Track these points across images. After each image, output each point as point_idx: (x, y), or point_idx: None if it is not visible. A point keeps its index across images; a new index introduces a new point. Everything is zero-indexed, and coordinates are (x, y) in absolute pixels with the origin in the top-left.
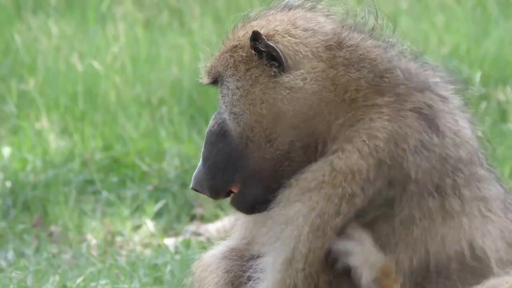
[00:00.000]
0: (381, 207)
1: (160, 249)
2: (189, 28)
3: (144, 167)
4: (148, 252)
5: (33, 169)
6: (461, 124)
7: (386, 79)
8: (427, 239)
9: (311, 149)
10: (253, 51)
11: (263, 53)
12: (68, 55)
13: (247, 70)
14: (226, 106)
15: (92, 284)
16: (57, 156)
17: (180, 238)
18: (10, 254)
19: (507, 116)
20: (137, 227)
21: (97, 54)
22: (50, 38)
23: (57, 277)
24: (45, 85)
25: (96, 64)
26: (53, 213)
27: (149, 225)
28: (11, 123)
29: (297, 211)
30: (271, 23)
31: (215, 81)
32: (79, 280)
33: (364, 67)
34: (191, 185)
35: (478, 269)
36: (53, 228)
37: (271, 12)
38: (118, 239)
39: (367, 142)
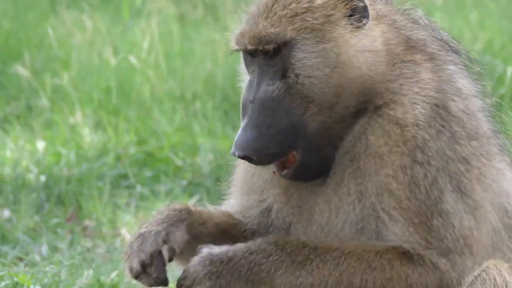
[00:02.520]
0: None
1: None
2: (223, 23)
3: (178, 162)
4: None
5: (67, 163)
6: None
7: (415, 41)
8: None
9: (361, 111)
10: (349, 4)
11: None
12: (102, 50)
13: (331, 30)
14: (299, 69)
15: (126, 278)
16: (91, 150)
17: None
18: (44, 248)
19: None
20: None
21: (131, 49)
22: (84, 32)
23: (91, 272)
24: (79, 79)
25: (132, 58)
26: (87, 207)
27: None
28: (45, 118)
29: (380, 177)
30: None
31: (277, 47)
32: (113, 274)
33: (399, 29)
34: (239, 153)
35: None
36: (87, 222)
37: None
38: None
39: (420, 93)
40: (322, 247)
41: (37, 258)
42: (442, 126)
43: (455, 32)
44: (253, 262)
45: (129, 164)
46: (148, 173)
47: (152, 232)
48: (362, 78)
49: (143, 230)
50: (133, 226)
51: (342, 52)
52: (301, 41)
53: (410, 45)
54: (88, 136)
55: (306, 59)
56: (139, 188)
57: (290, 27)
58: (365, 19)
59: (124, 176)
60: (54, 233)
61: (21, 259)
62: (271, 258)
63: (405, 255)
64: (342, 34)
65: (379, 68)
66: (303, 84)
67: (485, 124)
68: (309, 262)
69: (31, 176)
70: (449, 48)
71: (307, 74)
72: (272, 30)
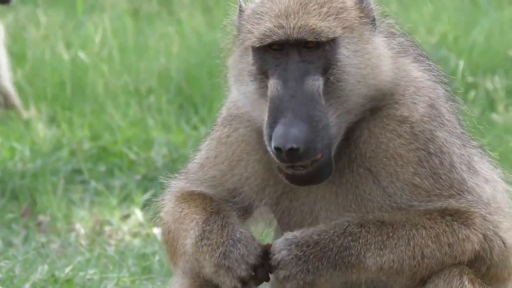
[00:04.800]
0: None
1: (149, 238)
2: (177, 17)
3: (132, 156)
4: (136, 241)
5: (21, 158)
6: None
7: (398, 45)
8: None
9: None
10: (368, 12)
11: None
12: (57, 45)
13: (367, 32)
14: (343, 67)
15: (81, 273)
16: (45, 145)
17: None
18: None
19: (495, 105)
20: (125, 217)
21: (85, 43)
22: (39, 27)
23: (45, 267)
24: (33, 74)
25: (82, 54)
26: (42, 203)
27: (138, 214)
28: None
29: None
30: None
31: (323, 42)
32: (67, 269)
33: (385, 35)
34: (291, 144)
35: None
36: (41, 217)
37: None
38: (107, 228)
39: (416, 92)
40: (397, 221)
41: None
42: (441, 121)
43: (410, 25)
44: (342, 246)
45: (83, 159)
46: (102, 168)
47: (238, 243)
48: (381, 83)
49: (226, 245)
50: (87, 221)
51: (378, 54)
52: (346, 39)
53: (396, 50)
54: (42, 131)
55: (350, 58)
56: (93, 183)
57: (336, 24)
58: (376, 29)
59: (78, 171)
60: (9, 228)
61: None
62: (360, 240)
63: (458, 216)
64: (372, 37)
65: (391, 74)
66: (345, 81)
67: (458, 125)
68: (390, 240)
69: None
70: (421, 53)
71: (350, 72)
72: (323, 24)
